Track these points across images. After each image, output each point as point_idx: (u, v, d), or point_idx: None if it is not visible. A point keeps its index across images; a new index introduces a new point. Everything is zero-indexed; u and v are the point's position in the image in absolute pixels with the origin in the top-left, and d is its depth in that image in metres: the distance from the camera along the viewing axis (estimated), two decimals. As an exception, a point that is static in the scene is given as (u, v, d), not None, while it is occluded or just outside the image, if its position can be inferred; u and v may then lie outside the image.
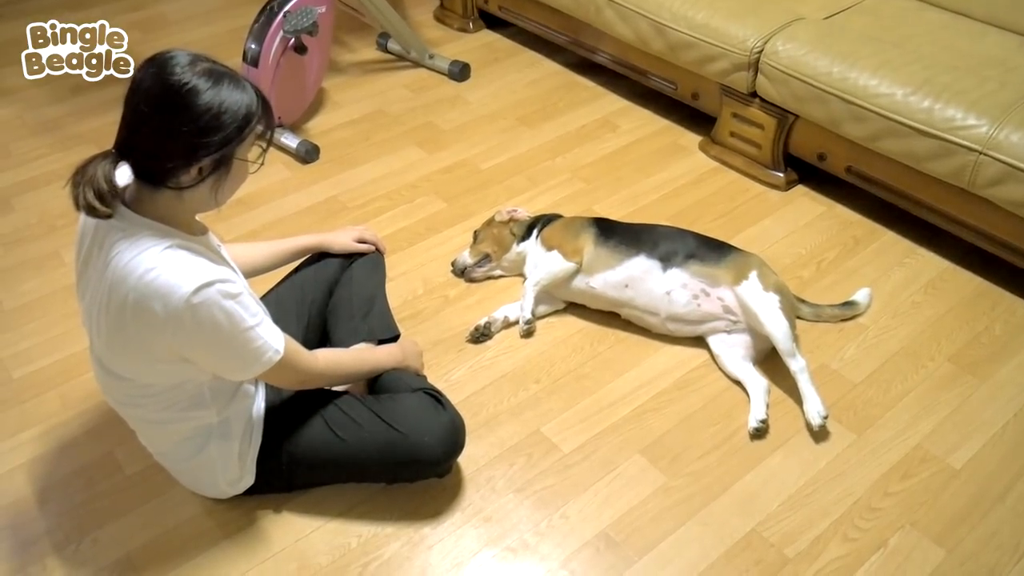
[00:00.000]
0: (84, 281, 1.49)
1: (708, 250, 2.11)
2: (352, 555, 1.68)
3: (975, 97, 2.21)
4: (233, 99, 1.34)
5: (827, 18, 2.67)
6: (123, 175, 1.41)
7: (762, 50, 2.55)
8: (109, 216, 1.36)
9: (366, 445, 1.65)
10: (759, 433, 1.90)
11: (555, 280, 2.14)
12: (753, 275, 2.02)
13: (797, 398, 1.95)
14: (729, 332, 2.07)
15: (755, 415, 1.91)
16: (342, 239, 1.98)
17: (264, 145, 1.46)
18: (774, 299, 1.98)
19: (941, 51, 2.45)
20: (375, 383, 1.81)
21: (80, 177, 1.35)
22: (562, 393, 2.02)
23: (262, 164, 1.46)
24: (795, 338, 1.97)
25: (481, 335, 2.14)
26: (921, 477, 1.83)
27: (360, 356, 1.77)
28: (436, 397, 1.71)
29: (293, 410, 1.68)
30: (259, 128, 1.41)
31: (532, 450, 1.88)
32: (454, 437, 1.70)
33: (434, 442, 1.66)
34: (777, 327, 1.95)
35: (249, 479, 1.68)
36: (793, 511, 1.76)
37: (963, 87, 2.25)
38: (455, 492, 1.79)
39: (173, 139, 1.32)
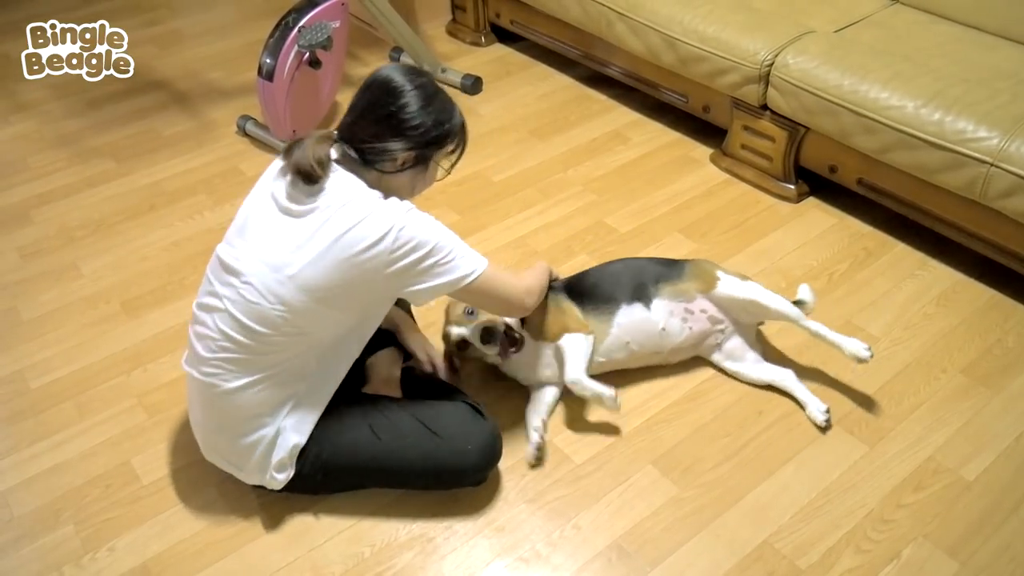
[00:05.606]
0: (252, 231, 1.59)
1: (667, 268, 2.06)
2: (366, 564, 1.69)
3: (986, 109, 2.22)
4: (446, 111, 1.64)
5: (837, 31, 2.68)
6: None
7: (773, 63, 2.56)
8: (313, 183, 1.54)
9: (407, 449, 1.69)
10: (829, 423, 1.93)
11: (587, 357, 1.91)
12: (721, 274, 2.03)
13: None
14: (721, 344, 2.07)
15: (815, 408, 1.94)
16: (418, 350, 1.93)
17: (454, 160, 1.70)
18: (753, 284, 2.00)
19: (952, 64, 2.46)
20: (412, 392, 1.86)
21: (294, 146, 1.56)
22: (573, 405, 2.02)
23: (448, 173, 1.70)
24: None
25: (538, 450, 1.89)
26: (934, 489, 1.83)
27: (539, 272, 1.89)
28: (475, 407, 1.75)
29: (337, 412, 1.70)
30: (456, 145, 1.68)
31: (544, 461, 1.89)
32: (494, 445, 1.74)
33: (474, 450, 1.71)
34: (778, 303, 1.97)
35: (289, 472, 1.68)
36: (805, 523, 1.76)
37: (974, 99, 2.25)
38: (468, 502, 1.80)
39: (389, 127, 1.57)
